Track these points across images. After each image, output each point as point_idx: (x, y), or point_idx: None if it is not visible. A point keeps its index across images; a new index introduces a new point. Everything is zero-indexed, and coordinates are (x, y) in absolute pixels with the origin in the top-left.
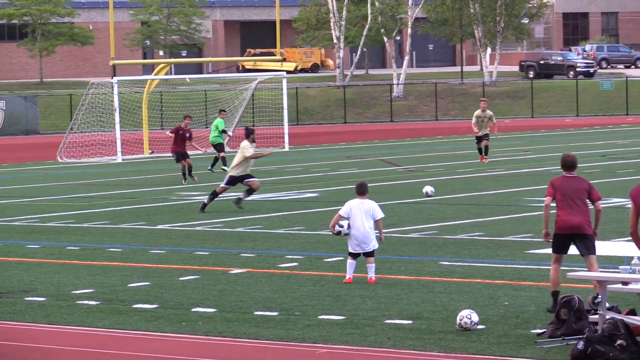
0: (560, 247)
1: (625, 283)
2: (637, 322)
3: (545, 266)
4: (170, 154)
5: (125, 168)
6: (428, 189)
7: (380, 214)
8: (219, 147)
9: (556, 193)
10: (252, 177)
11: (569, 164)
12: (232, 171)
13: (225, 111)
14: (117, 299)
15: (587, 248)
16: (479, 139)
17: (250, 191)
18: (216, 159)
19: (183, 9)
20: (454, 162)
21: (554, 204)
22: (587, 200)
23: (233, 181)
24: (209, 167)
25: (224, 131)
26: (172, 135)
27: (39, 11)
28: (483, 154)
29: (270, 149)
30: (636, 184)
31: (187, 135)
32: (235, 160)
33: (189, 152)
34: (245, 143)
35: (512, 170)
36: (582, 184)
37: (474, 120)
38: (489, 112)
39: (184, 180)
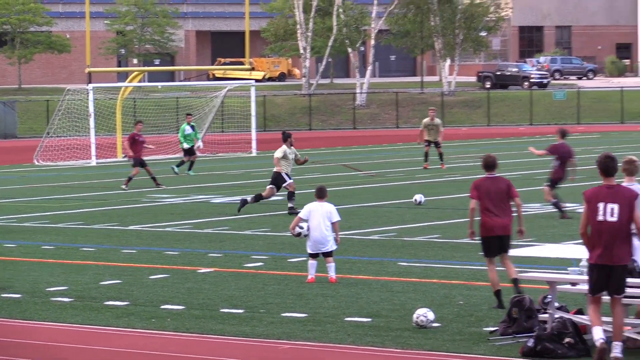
0: (490, 250)
1: (573, 284)
2: (584, 321)
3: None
4: (128, 159)
5: (99, 171)
6: (418, 197)
7: (336, 217)
8: (186, 151)
9: (480, 195)
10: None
11: (490, 164)
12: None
13: (191, 115)
14: (90, 296)
15: (505, 248)
16: (429, 143)
17: (291, 194)
18: (183, 162)
19: (157, 20)
20: (413, 167)
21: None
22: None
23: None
24: (187, 171)
25: (187, 136)
26: (129, 144)
27: (18, 20)
28: (440, 160)
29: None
30: (587, 189)
31: (141, 140)
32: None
33: (148, 158)
34: (284, 147)
35: (469, 175)
36: (502, 183)
37: (422, 127)
38: (437, 120)
39: (125, 186)
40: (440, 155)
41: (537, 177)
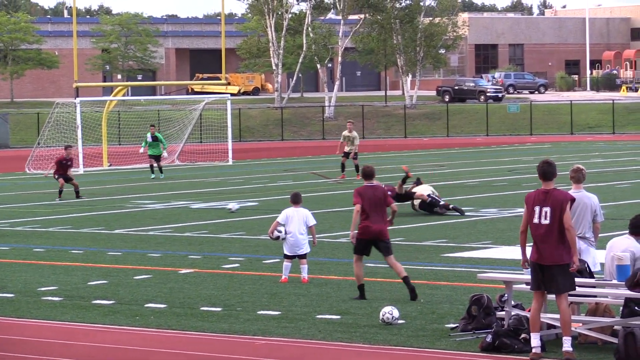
0: (361, 250)
1: (528, 283)
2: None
3: (458, 268)
4: (55, 175)
5: (86, 179)
6: (232, 204)
7: (312, 221)
8: (151, 157)
9: (362, 201)
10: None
11: (367, 174)
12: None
13: (154, 126)
14: (78, 295)
15: (387, 250)
16: (346, 155)
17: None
18: (159, 167)
19: (139, 38)
20: (378, 175)
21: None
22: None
23: None
24: (159, 175)
25: (150, 144)
26: (56, 166)
27: (10, 38)
28: (356, 171)
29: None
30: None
31: (69, 163)
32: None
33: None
34: None
35: (430, 182)
36: (379, 192)
37: (342, 139)
38: (354, 133)
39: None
40: (357, 167)
41: (494, 185)
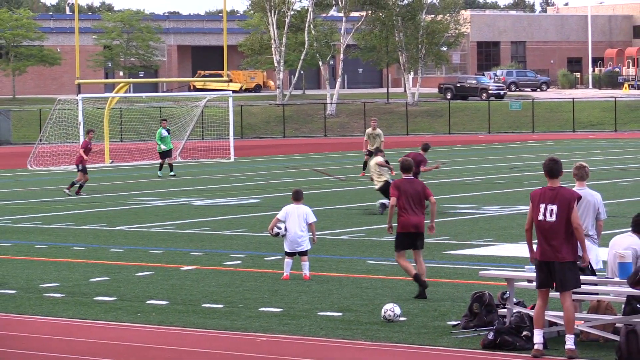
0: (403, 244)
1: (530, 281)
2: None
3: (460, 265)
4: (79, 166)
5: (88, 175)
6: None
7: (312, 218)
8: (161, 153)
9: (400, 195)
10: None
11: (407, 167)
12: None
13: (166, 120)
14: (80, 292)
15: (421, 245)
16: (369, 153)
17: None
18: (161, 165)
19: (141, 35)
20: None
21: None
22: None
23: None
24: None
25: (164, 139)
26: (84, 154)
27: (13, 35)
28: (363, 168)
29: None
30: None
31: (91, 147)
32: None
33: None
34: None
35: (433, 180)
36: (418, 185)
37: (365, 137)
38: (378, 130)
39: (68, 189)
40: (364, 164)
41: (496, 182)
